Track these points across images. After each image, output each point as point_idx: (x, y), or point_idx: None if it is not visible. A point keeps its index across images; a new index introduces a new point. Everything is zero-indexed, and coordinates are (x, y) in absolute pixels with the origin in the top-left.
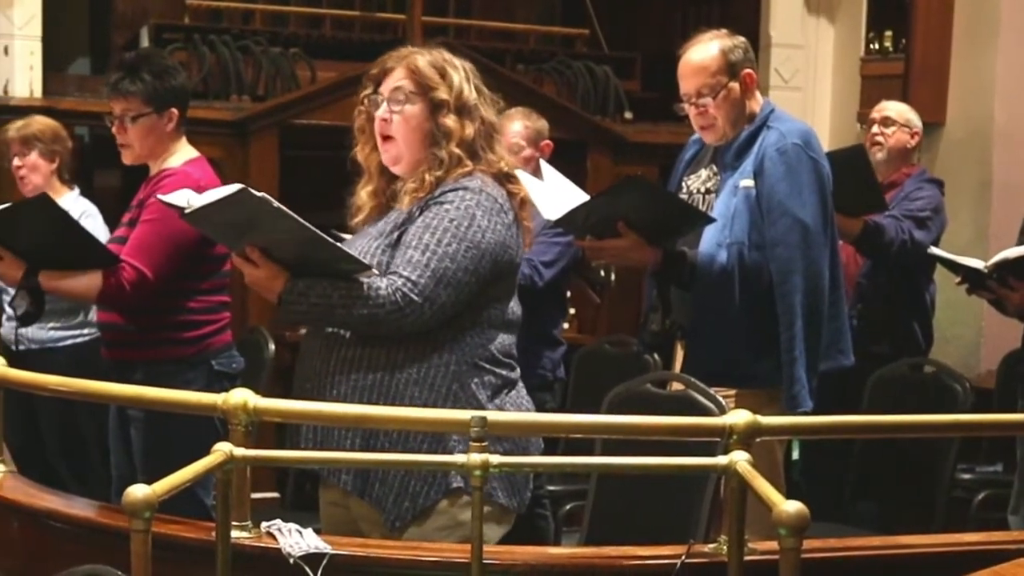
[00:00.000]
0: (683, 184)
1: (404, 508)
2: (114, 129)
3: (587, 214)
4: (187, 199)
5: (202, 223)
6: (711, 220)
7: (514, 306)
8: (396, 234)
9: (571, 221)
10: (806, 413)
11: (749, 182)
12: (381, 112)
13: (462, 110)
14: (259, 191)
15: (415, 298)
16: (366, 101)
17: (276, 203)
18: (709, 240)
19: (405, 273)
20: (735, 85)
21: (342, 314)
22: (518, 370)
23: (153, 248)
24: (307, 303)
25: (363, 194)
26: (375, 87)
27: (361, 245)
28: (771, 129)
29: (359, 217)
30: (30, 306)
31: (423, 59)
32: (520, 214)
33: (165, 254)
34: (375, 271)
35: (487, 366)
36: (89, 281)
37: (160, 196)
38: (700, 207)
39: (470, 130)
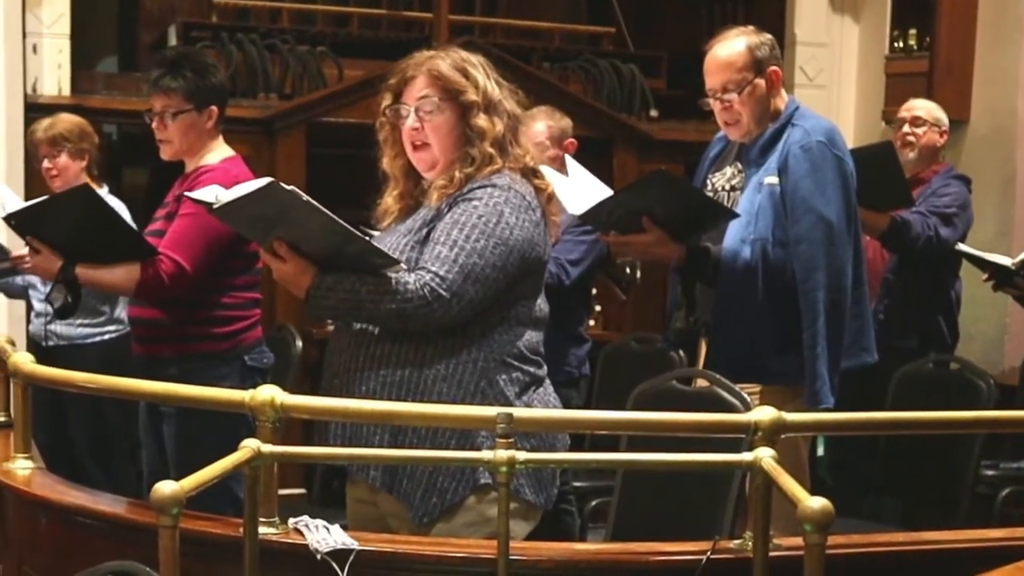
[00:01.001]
0: (708, 182)
1: (432, 504)
2: (154, 125)
3: (612, 208)
4: (215, 195)
5: (231, 218)
6: (735, 215)
7: (541, 303)
8: (425, 231)
9: (596, 216)
10: (828, 410)
11: (773, 179)
12: (411, 123)
13: (490, 107)
14: (288, 185)
15: (443, 293)
16: (387, 112)
17: (306, 196)
18: (733, 236)
19: (433, 268)
20: (761, 82)
21: (370, 309)
22: (546, 367)
23: (192, 241)
24: (335, 298)
25: (389, 199)
26: (395, 97)
27: (390, 242)
28: (796, 127)
29: (387, 221)
30: (67, 299)
31: (444, 63)
32: (547, 209)
33: (203, 248)
34: (403, 266)
35: (515, 363)
36: (127, 273)
37: (188, 193)
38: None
39: (500, 126)
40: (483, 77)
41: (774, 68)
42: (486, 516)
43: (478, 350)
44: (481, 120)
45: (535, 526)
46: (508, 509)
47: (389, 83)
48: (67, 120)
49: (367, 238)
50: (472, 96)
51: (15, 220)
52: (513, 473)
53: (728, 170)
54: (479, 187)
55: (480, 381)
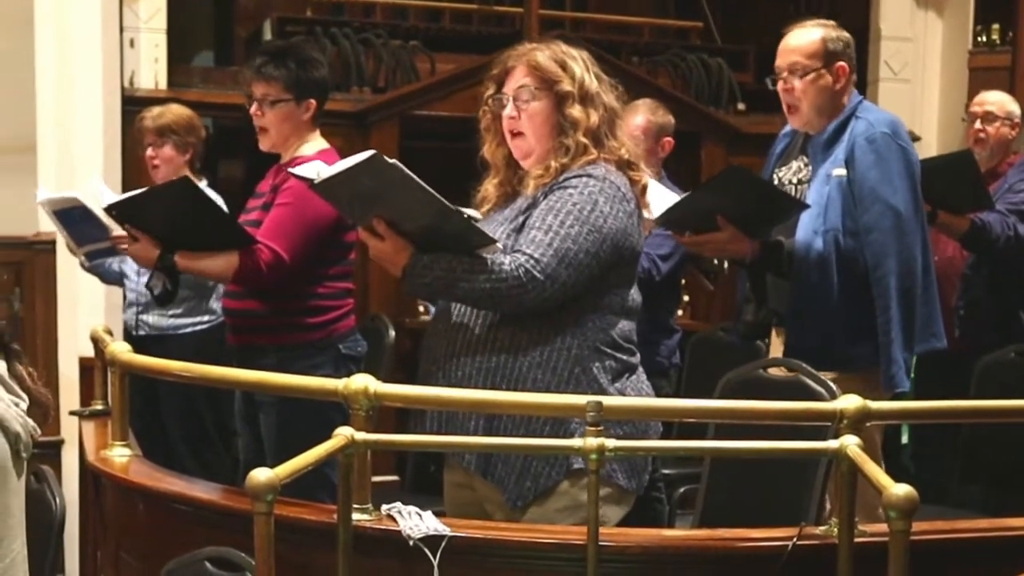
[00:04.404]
0: (775, 176)
1: (526, 488)
2: (252, 110)
3: (687, 208)
4: (316, 171)
5: (331, 194)
6: (805, 207)
7: (634, 294)
8: (521, 219)
9: (673, 217)
10: (903, 394)
11: (841, 170)
12: (508, 111)
13: (586, 99)
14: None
15: (537, 275)
16: (490, 101)
17: (407, 170)
18: (805, 228)
19: (528, 251)
20: (827, 74)
21: (465, 288)
22: (638, 355)
23: (290, 231)
24: (431, 276)
25: (489, 187)
26: (498, 87)
27: (488, 230)
28: (859, 119)
29: (485, 207)
30: (166, 287)
31: (542, 55)
32: (641, 201)
33: (301, 237)
34: (499, 245)
35: (608, 350)
36: (226, 262)
37: (291, 169)
38: None
39: (595, 118)
40: (581, 70)
41: (842, 64)
42: (579, 501)
43: (571, 337)
44: (576, 111)
45: (628, 511)
46: (598, 496)
47: (492, 73)
48: (176, 112)
49: (465, 215)
50: (567, 87)
51: (115, 210)
52: (604, 460)
53: (794, 164)
54: (575, 176)
55: (574, 368)
